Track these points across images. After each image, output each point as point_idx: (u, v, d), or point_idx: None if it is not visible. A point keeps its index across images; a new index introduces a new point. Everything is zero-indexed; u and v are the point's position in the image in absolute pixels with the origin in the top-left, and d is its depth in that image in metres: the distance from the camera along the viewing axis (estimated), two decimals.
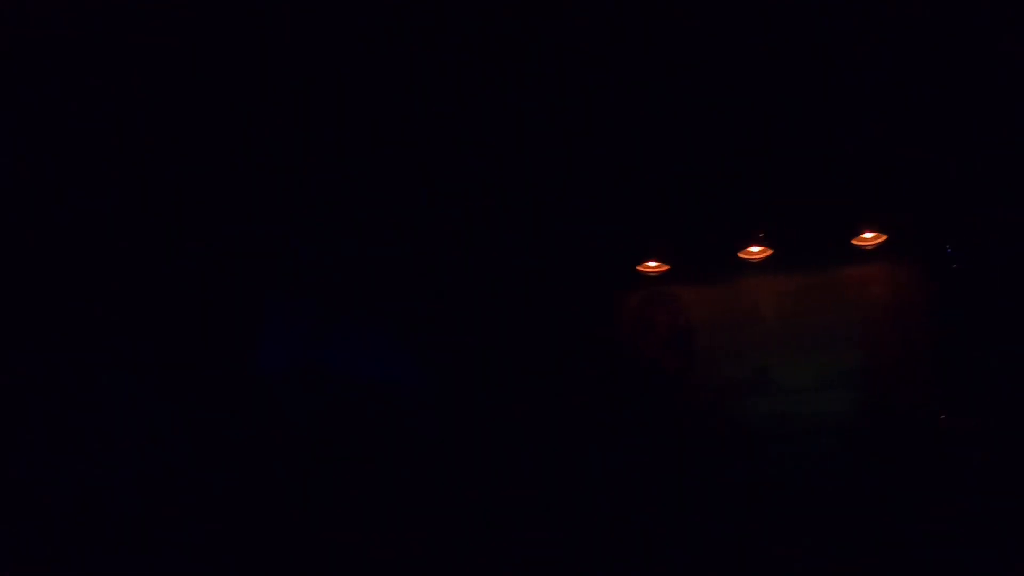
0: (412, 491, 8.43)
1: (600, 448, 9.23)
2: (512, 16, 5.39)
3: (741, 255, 8.82)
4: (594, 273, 9.17)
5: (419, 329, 9.41)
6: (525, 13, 5.36)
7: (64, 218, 6.71)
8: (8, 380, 5.58)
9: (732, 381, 9.15)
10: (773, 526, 8.26)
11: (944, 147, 7.65)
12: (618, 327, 9.64)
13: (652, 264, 9.28)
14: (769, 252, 8.86)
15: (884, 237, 8.44)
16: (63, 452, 5.78)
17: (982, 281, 9.21)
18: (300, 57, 6.02)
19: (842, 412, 8.57)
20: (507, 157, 7.80)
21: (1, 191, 6.14)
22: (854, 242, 8.49)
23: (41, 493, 5.39)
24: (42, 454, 5.61)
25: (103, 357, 6.50)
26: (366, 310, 9.23)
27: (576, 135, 7.59)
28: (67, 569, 5.20)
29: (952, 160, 7.72)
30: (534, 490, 8.64)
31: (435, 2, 5.37)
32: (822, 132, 7.40)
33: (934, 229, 8.53)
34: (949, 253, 12.09)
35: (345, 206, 8.37)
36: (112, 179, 7.09)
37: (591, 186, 8.24)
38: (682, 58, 6.03)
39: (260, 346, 8.80)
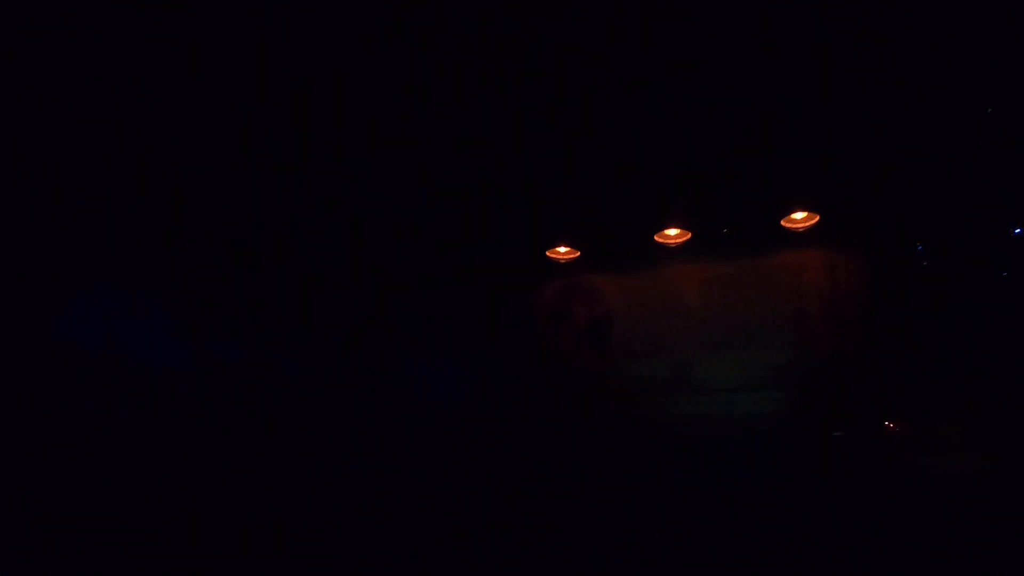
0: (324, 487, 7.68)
1: (512, 449, 8.41)
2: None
3: (658, 239, 7.90)
4: (502, 262, 8.30)
5: (319, 326, 8.63)
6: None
7: None
8: None
9: (651, 380, 8.21)
10: (690, 536, 7.39)
11: (879, 120, 6.71)
12: (531, 320, 8.78)
13: (562, 250, 8.39)
14: (687, 236, 7.93)
15: (816, 218, 7.49)
16: None
17: (930, 276, 8.29)
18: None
19: (771, 415, 7.66)
20: (413, 144, 6.99)
21: None
22: (784, 224, 7.53)
23: None
24: None
25: None
26: (260, 305, 8.44)
27: (480, 118, 6.76)
28: None
29: (890, 133, 6.79)
30: (444, 491, 7.84)
31: None
32: (740, 105, 6.48)
33: (873, 210, 7.57)
34: (920, 251, 11.11)
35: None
36: None
37: (496, 168, 7.36)
38: (594, 43, 5.51)
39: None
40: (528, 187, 7.34)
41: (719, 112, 6.39)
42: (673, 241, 7.79)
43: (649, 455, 7.88)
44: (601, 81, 6.17)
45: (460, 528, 6.92)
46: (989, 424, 9.83)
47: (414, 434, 8.12)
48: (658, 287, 8.21)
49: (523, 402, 8.37)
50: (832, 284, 7.71)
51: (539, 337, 8.46)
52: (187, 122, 6.23)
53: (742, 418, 7.70)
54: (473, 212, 7.62)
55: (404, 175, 7.27)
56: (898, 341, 8.75)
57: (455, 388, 8.46)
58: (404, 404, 8.26)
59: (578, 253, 8.17)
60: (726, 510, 7.13)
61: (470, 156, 7.03)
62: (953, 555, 5.29)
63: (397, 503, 7.30)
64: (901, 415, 8.61)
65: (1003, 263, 10.36)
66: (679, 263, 8.16)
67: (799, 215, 7.42)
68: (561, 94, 6.27)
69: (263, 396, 7.75)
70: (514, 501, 7.57)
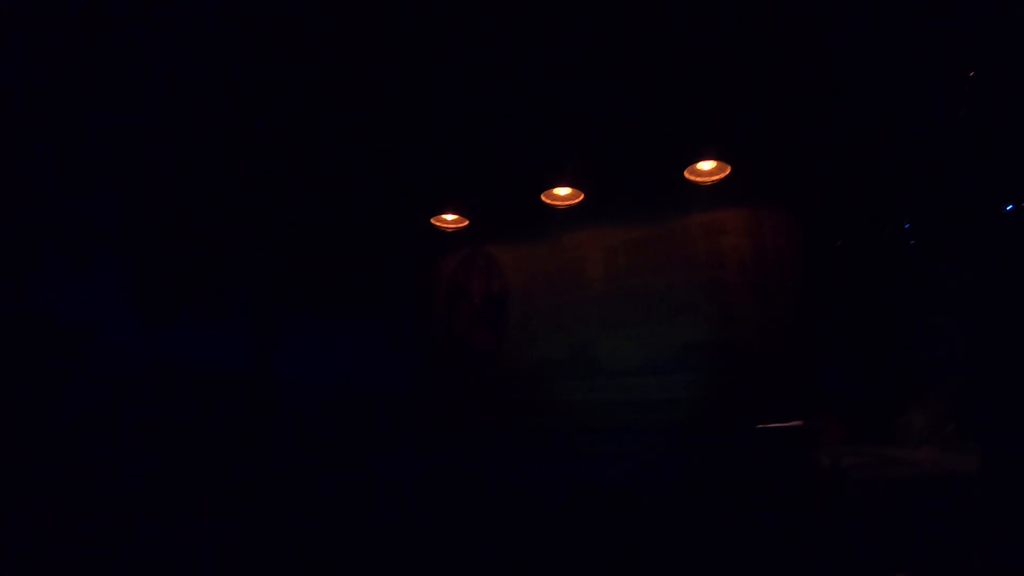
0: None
1: (396, 436, 7.56)
2: None
3: (547, 200, 6.88)
4: (385, 231, 7.49)
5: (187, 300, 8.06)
6: None
7: None
8: None
9: (548, 361, 7.15)
10: (587, 532, 6.33)
11: (797, 38, 5.49)
12: (421, 296, 7.93)
13: (449, 217, 7.43)
14: (580, 196, 6.86)
15: (728, 170, 6.25)
16: None
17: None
18: None
19: (681, 403, 6.46)
20: (289, 112, 6.37)
21: None
22: (690, 177, 6.33)
23: None
24: None
25: None
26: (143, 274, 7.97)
27: (351, 81, 6.07)
28: None
29: (813, 55, 5.55)
30: (336, 480, 7.10)
31: None
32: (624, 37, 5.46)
33: (803, 161, 6.27)
34: (906, 229, 9.73)
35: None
36: None
37: (370, 131, 6.60)
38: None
39: None
40: (404, 146, 6.53)
41: (601, 45, 5.41)
42: (563, 202, 6.73)
43: (540, 447, 6.84)
44: (471, 22, 5.35)
45: (329, 519, 6.16)
46: (964, 417, 8.22)
47: (293, 418, 7.44)
48: (557, 258, 7.15)
49: (414, 385, 7.53)
50: (756, 250, 6.44)
51: (429, 314, 7.60)
52: None
53: (646, 406, 6.55)
54: (349, 176, 6.88)
55: (277, 137, 6.64)
56: (845, 320, 7.35)
57: (340, 369, 7.72)
58: (284, 385, 7.59)
59: (467, 222, 7.26)
60: (620, 513, 6.02)
61: (345, 115, 6.32)
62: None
63: (267, 490, 6.62)
64: (845, 405, 7.23)
65: (980, 237, 8.70)
66: (581, 230, 7.08)
67: (705, 165, 6.21)
68: (431, 44, 5.49)
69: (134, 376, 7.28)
70: (388, 494, 6.74)
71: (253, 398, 7.40)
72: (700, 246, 6.63)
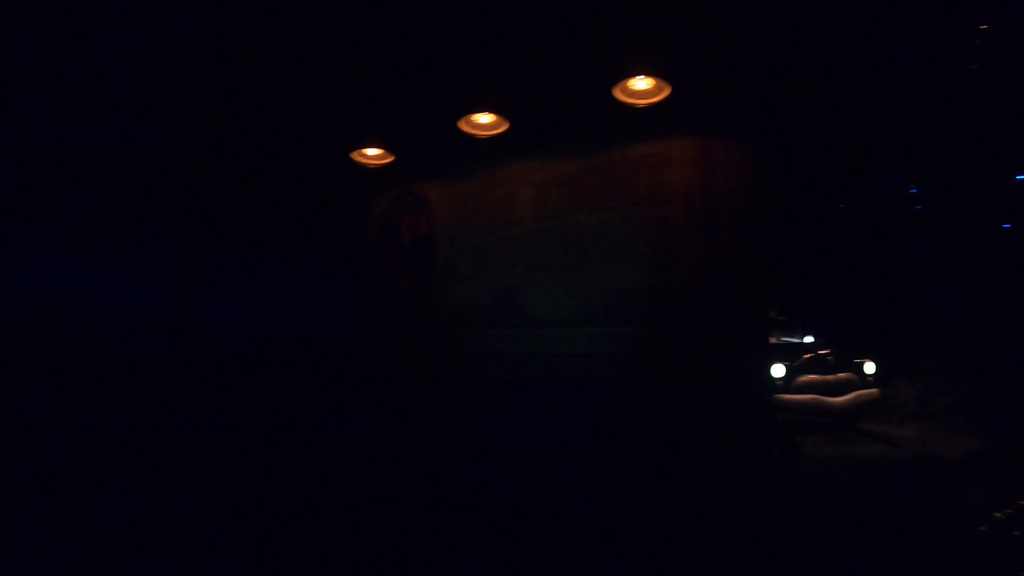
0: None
1: (330, 386, 6.84)
2: None
3: (467, 129, 5.80)
4: (311, 170, 6.63)
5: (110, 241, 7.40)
6: None
7: None
8: None
9: (474, 307, 6.28)
10: (504, 489, 5.57)
11: None
12: (349, 235, 7.09)
13: (371, 152, 6.31)
14: (505, 125, 5.80)
15: (667, 91, 5.19)
16: None
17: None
18: None
19: (614, 357, 5.51)
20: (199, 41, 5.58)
21: None
22: (623, 98, 5.26)
23: None
24: None
25: None
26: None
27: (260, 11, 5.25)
28: None
29: None
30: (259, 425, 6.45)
31: None
32: None
33: (760, 83, 5.16)
34: (912, 194, 8.71)
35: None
36: None
37: (280, 61, 5.75)
38: None
39: None
40: (316, 75, 5.66)
41: None
42: (486, 132, 5.74)
43: (461, 401, 6.01)
44: None
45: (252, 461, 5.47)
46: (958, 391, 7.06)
47: (221, 360, 6.78)
48: (487, 195, 6.19)
49: (348, 331, 6.75)
50: (704, 185, 5.38)
51: (360, 256, 6.79)
52: None
53: (575, 361, 5.63)
54: (263, 108, 6.05)
55: (188, 67, 5.86)
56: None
57: (273, 313, 7.03)
58: (213, 329, 6.93)
59: (392, 158, 6.37)
60: (536, 479, 5.17)
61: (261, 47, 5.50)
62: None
63: (187, 435, 5.98)
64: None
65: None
66: (511, 165, 6.08)
67: (640, 84, 5.16)
68: None
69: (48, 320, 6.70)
70: (311, 442, 6.01)
71: (180, 340, 6.77)
72: (641, 180, 5.60)
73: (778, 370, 6.33)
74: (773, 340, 7.01)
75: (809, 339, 7.46)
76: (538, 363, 5.74)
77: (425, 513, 4.17)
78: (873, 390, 6.72)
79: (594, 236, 5.63)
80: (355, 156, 6.25)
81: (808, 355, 6.58)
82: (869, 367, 6.85)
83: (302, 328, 7.08)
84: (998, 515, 3.50)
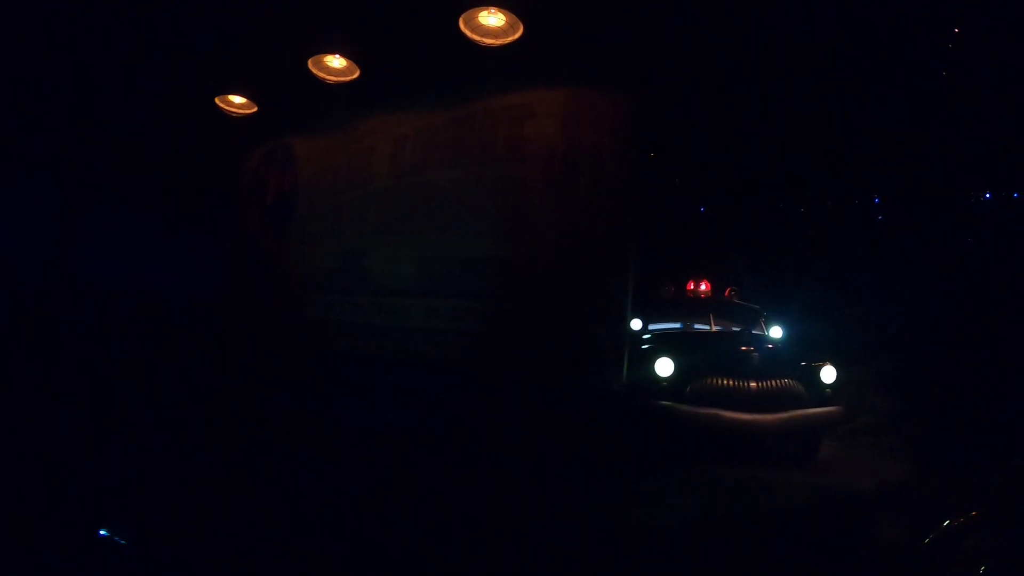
0: None
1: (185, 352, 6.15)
2: None
3: (317, 73, 4.90)
4: (180, 121, 5.93)
5: None
6: None
7: None
8: None
9: (321, 271, 5.45)
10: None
11: None
12: (213, 190, 6.37)
13: (236, 100, 5.48)
14: (356, 72, 4.85)
15: (520, 30, 4.24)
16: None
17: None
18: None
19: (451, 335, 4.65)
20: None
21: None
22: (471, 35, 4.29)
23: None
24: None
25: None
26: None
27: None
28: None
29: None
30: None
31: None
32: None
33: (620, 30, 4.19)
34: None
35: None
36: None
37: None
38: None
39: None
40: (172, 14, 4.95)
41: None
42: (337, 77, 4.89)
43: (302, 373, 5.23)
44: None
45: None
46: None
47: (88, 314, 6.18)
48: (347, 149, 5.37)
49: (216, 290, 6.07)
50: (569, 141, 4.46)
51: (226, 210, 6.09)
52: None
53: (411, 336, 4.80)
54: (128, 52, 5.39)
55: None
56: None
57: (148, 271, 6.40)
58: (82, 283, 6.36)
59: (255, 107, 5.62)
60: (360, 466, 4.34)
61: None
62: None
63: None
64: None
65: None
66: (373, 116, 5.28)
67: (490, 19, 4.24)
68: None
69: None
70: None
71: (48, 292, 6.24)
72: (500, 135, 4.68)
73: (664, 367, 4.74)
74: (666, 325, 5.78)
75: (735, 327, 5.79)
76: (378, 336, 4.93)
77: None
78: (830, 408, 4.85)
79: (444, 196, 4.76)
80: (221, 104, 5.53)
81: (721, 348, 5.34)
82: (827, 374, 4.93)
83: (178, 286, 6.43)
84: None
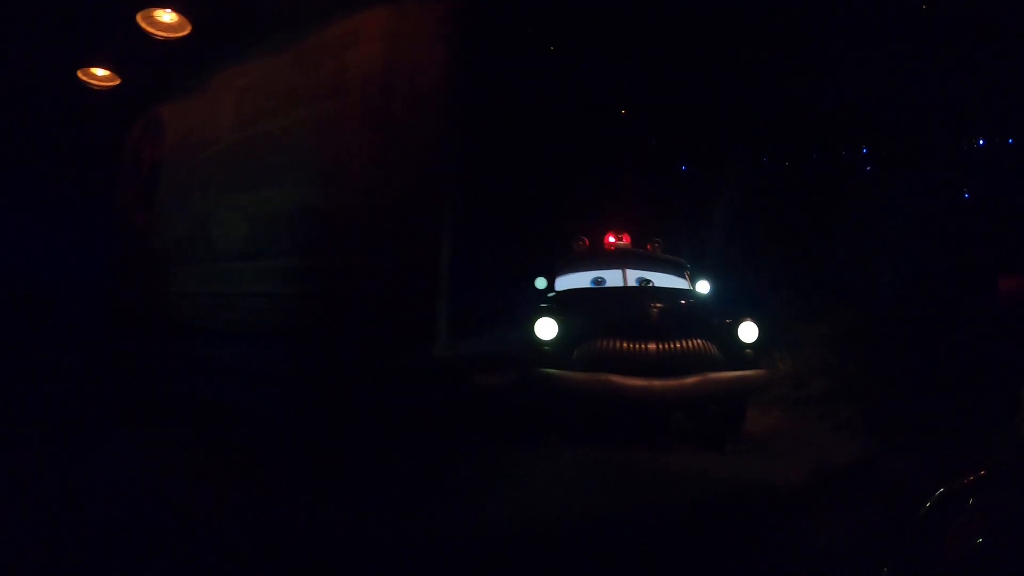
0: None
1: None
2: None
3: (148, 28, 4.26)
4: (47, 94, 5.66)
5: None
6: None
7: None
8: None
9: (177, 239, 4.88)
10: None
11: None
12: (109, 170, 6.04)
13: (99, 73, 5.11)
14: (188, 27, 4.23)
15: None
16: None
17: None
18: None
19: (280, 299, 4.08)
20: None
21: None
22: None
23: None
24: None
25: None
26: None
27: None
28: None
29: None
30: None
31: None
32: None
33: None
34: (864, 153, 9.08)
35: None
36: None
37: None
38: None
39: None
40: None
41: None
42: (167, 33, 4.41)
43: (159, 351, 4.82)
44: None
45: None
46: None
47: None
48: (201, 110, 4.90)
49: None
50: (388, 66, 3.78)
51: (107, 186, 5.82)
52: None
53: (243, 302, 4.26)
54: None
55: None
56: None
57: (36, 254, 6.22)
58: None
59: (119, 80, 5.26)
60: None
61: None
62: None
63: None
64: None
65: None
66: (222, 71, 4.80)
67: None
68: None
69: None
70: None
71: None
72: (326, 68, 4.04)
73: (546, 329, 3.88)
74: (575, 283, 4.91)
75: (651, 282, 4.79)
76: (215, 306, 4.45)
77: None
78: (749, 372, 3.88)
79: (275, 146, 4.19)
80: (85, 78, 5.21)
81: (620, 305, 4.45)
82: (747, 331, 3.96)
83: (67, 269, 6.17)
84: None
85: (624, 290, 4.81)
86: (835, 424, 4.49)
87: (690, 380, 3.76)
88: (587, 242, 5.42)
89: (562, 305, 4.42)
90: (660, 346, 3.89)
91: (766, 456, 3.62)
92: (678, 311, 4.24)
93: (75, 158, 5.82)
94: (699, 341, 3.98)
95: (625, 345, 3.85)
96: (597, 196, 6.24)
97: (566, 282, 5.01)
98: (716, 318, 4.26)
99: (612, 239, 5.44)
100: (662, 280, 5.01)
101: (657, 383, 3.69)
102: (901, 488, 3.41)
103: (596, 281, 5.08)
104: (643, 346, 3.86)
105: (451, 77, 3.57)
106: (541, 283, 5.21)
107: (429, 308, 3.38)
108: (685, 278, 5.21)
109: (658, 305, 4.11)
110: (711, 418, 4.11)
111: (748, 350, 4.09)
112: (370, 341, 3.53)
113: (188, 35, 4.41)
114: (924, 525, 1.31)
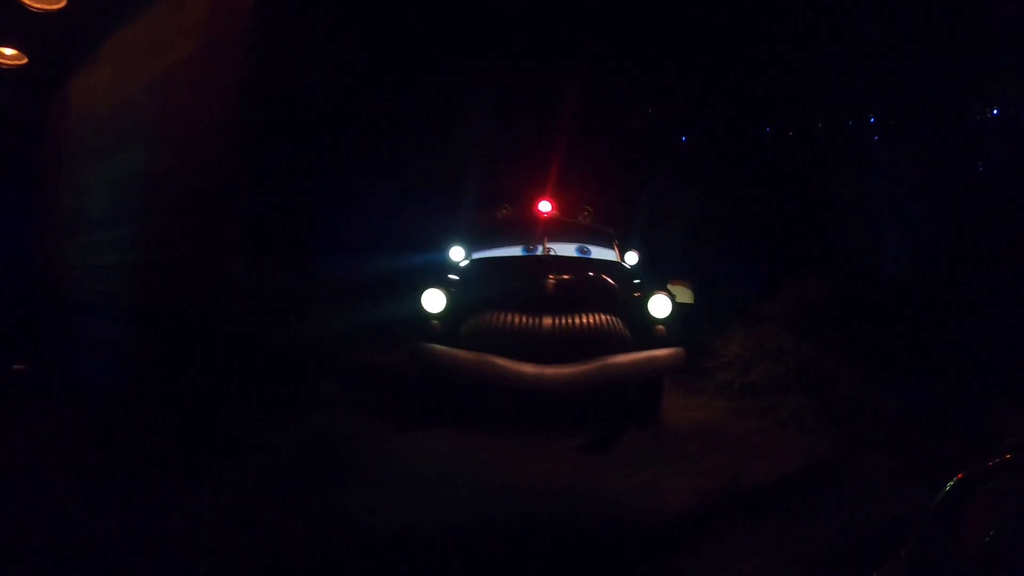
0: None
1: None
2: None
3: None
4: None
5: None
6: None
7: None
8: None
9: (76, 216, 4.46)
10: None
11: None
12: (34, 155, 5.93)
13: (7, 52, 4.85)
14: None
15: None
16: None
17: None
18: None
19: (136, 269, 3.69)
20: None
21: None
22: None
23: None
24: None
25: None
26: None
27: None
28: None
29: None
30: None
31: None
32: None
33: None
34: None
35: None
36: None
37: None
38: None
39: None
40: None
41: None
42: (41, 5, 4.12)
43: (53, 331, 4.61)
44: None
45: None
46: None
47: None
48: (95, 82, 4.61)
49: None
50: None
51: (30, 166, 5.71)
52: None
53: (105, 276, 3.92)
54: None
55: None
56: None
57: None
58: None
59: (25, 59, 5.11)
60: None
61: None
62: None
63: None
64: None
65: None
66: (107, 40, 4.47)
67: None
68: None
69: None
70: None
71: None
72: (174, 17, 3.69)
73: (433, 301, 3.45)
74: (495, 252, 4.35)
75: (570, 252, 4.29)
76: (88, 281, 4.17)
77: None
78: (659, 352, 3.26)
79: (135, 106, 3.86)
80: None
81: (519, 275, 3.74)
82: (658, 305, 3.38)
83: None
84: None
85: (526, 259, 4.25)
86: (780, 419, 3.60)
87: (588, 367, 3.16)
88: (510, 210, 4.90)
89: (460, 276, 3.96)
90: (556, 321, 3.30)
91: (667, 464, 2.85)
92: (581, 283, 3.60)
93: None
94: (602, 316, 3.36)
95: (516, 319, 3.29)
96: (534, 164, 5.58)
97: (482, 253, 4.50)
98: (625, 291, 3.63)
99: (538, 207, 4.85)
100: (589, 251, 4.41)
101: (549, 371, 3.12)
102: (831, 514, 2.57)
103: (511, 251, 4.51)
104: (536, 321, 3.29)
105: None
106: (457, 254, 4.77)
107: (218, 280, 2.89)
108: (613, 248, 4.56)
109: (559, 276, 3.50)
110: (623, 405, 3.44)
111: (660, 326, 3.47)
112: (182, 312, 3.09)
113: (64, 7, 4.19)
114: (941, 509, 1.29)
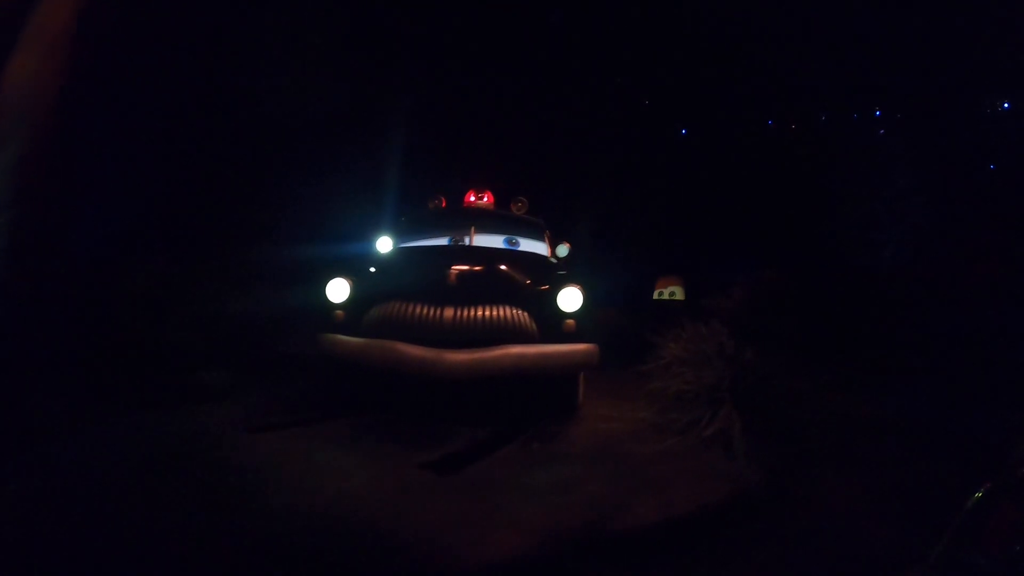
0: None
1: None
2: None
3: None
4: None
5: None
6: None
7: None
8: None
9: None
10: None
11: None
12: None
13: None
14: None
15: None
16: None
17: None
18: None
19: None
20: None
21: None
22: None
23: None
24: None
25: None
26: None
27: None
28: None
29: None
30: None
31: None
32: None
33: None
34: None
35: None
36: None
37: None
38: None
39: None
40: None
41: None
42: None
43: None
44: None
45: None
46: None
47: None
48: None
49: None
50: None
51: None
52: None
53: None
54: None
55: None
56: None
57: None
58: None
59: None
60: None
61: None
62: None
63: None
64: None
65: None
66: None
67: None
68: None
69: None
70: None
71: None
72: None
73: (337, 290, 3.34)
74: (423, 243, 4.25)
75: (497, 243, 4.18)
76: None
77: None
78: (564, 347, 2.98)
79: (12, 85, 3.66)
80: None
81: (426, 266, 3.51)
82: (568, 299, 3.03)
83: None
84: None
85: (440, 250, 4.02)
86: (703, 439, 3.09)
87: (486, 354, 2.88)
88: (444, 202, 4.65)
89: (375, 266, 3.81)
90: (457, 313, 3.01)
91: (520, 493, 2.40)
92: (489, 275, 3.32)
93: None
94: (506, 309, 3.02)
95: (416, 310, 3.04)
96: (473, 154, 5.24)
97: (406, 243, 4.38)
98: (539, 284, 3.34)
99: (472, 198, 4.60)
100: (517, 243, 4.26)
101: (448, 355, 2.86)
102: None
103: (435, 242, 4.29)
104: (437, 312, 3.00)
105: None
106: (384, 244, 4.58)
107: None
108: (543, 240, 4.27)
109: (469, 267, 3.24)
110: (537, 404, 3.26)
111: (569, 320, 3.12)
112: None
113: None
114: (970, 516, 1.32)
